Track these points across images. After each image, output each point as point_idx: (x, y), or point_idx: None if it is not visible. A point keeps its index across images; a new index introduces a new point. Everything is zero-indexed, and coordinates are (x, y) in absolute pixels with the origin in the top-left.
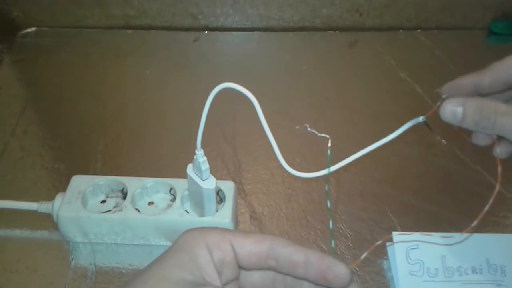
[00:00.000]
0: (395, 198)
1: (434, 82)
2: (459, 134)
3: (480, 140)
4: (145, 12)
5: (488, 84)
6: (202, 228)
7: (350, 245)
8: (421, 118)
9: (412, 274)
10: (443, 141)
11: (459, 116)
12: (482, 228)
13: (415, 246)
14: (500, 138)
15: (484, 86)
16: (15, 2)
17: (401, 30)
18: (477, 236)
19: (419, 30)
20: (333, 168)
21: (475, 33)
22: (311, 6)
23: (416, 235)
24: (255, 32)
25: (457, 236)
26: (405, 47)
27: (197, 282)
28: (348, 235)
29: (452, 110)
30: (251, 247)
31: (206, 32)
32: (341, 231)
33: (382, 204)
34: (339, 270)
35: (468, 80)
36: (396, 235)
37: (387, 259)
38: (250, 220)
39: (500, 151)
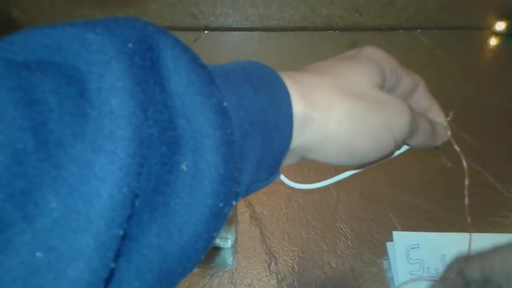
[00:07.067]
0: (395, 198)
1: (434, 82)
2: (458, 133)
3: None
4: (145, 12)
5: None
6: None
7: (350, 245)
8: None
9: (412, 274)
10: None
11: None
12: (482, 228)
13: (415, 246)
14: None
15: None
16: (15, 2)
17: (401, 30)
18: (477, 236)
19: (419, 30)
20: (333, 180)
21: (475, 33)
22: (311, 6)
23: (416, 235)
24: (255, 32)
25: (457, 236)
26: (405, 47)
27: (381, 85)
28: (348, 235)
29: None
30: (408, 86)
31: (206, 32)
32: (341, 231)
33: (382, 204)
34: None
35: None
36: (397, 235)
37: (387, 259)
38: (250, 220)
39: None
